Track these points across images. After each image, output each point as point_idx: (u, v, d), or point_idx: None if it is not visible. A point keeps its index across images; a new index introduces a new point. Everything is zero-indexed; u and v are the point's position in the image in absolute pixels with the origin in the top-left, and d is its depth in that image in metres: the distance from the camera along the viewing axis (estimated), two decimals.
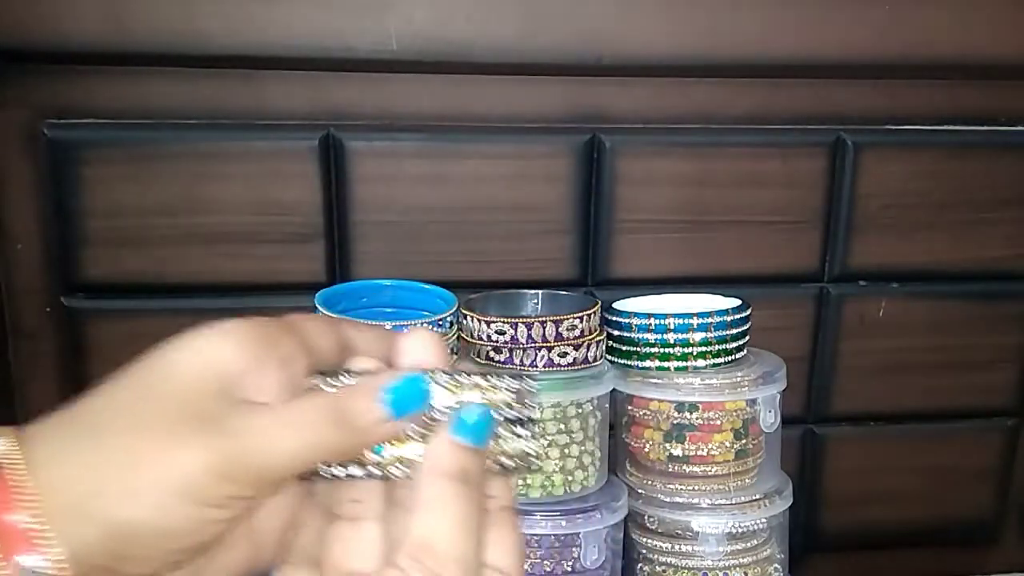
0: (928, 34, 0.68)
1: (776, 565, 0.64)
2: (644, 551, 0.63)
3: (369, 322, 0.39)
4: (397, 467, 0.32)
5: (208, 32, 0.62)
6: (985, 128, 0.73)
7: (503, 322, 0.59)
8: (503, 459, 0.33)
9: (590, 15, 0.65)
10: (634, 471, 0.65)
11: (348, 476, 0.31)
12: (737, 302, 0.65)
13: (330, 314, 0.59)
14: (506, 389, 0.33)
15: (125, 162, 0.65)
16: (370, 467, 0.31)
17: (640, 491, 0.63)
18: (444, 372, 0.32)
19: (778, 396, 0.64)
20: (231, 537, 0.31)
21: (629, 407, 0.64)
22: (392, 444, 0.32)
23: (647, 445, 0.63)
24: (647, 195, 0.70)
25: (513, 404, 0.34)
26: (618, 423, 0.65)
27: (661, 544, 0.62)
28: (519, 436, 0.33)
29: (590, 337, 0.61)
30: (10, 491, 0.26)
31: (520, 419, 0.34)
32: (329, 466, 0.31)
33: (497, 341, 0.59)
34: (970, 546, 0.83)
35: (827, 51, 0.68)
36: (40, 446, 0.27)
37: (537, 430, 0.35)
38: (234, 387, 0.29)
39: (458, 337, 0.62)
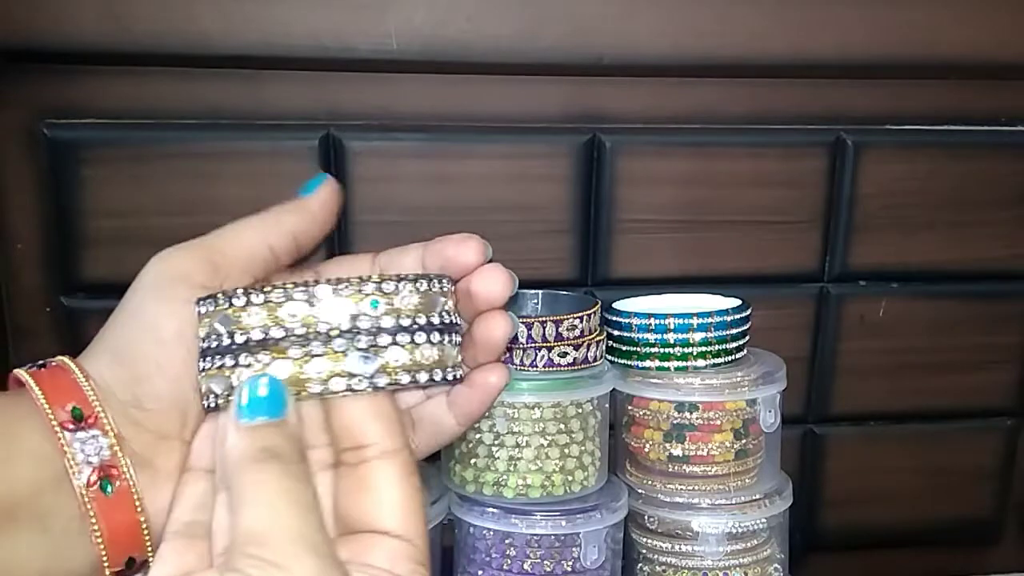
0: (928, 34, 0.68)
1: (776, 565, 0.64)
2: (644, 551, 0.63)
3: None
4: (316, 386, 0.30)
5: (208, 32, 0.62)
6: (985, 128, 0.73)
7: None
8: (418, 373, 0.31)
9: (590, 15, 0.65)
10: (634, 471, 0.65)
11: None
12: (737, 302, 0.65)
13: None
14: (410, 293, 0.31)
15: (125, 162, 0.65)
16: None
17: (640, 491, 0.63)
18: (341, 281, 0.30)
19: (778, 396, 0.64)
20: None
21: (629, 407, 0.64)
22: (295, 363, 0.30)
23: (647, 445, 0.63)
24: (647, 195, 0.70)
25: (420, 311, 0.31)
26: (618, 423, 0.66)
27: (661, 544, 0.62)
28: (433, 343, 0.31)
29: (590, 337, 0.61)
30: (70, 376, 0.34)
31: (437, 325, 0.32)
32: (218, 400, 0.31)
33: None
34: (970, 546, 0.83)
35: (827, 51, 0.68)
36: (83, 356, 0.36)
37: (454, 337, 0.33)
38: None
39: None
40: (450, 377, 0.33)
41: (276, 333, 0.30)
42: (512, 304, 0.40)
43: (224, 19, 0.62)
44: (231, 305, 0.31)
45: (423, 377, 0.32)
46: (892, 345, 0.76)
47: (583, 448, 0.60)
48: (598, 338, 0.61)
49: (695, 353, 0.62)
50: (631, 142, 0.69)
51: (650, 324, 0.62)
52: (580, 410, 0.60)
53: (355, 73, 0.66)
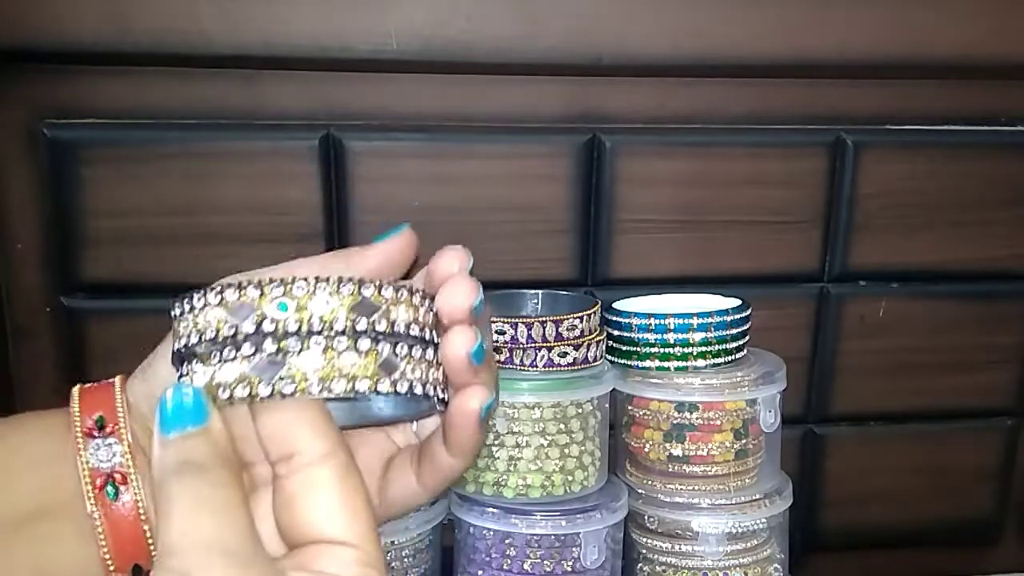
0: (928, 34, 0.68)
1: (776, 565, 0.64)
2: (644, 551, 0.63)
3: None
4: (291, 384, 0.29)
5: (208, 32, 0.62)
6: (985, 128, 0.73)
7: (503, 322, 0.59)
8: (334, 382, 0.29)
9: (590, 15, 0.65)
10: (634, 471, 0.65)
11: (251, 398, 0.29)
12: (737, 302, 0.65)
13: None
14: (330, 296, 0.29)
15: (125, 162, 0.65)
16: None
17: (640, 491, 0.63)
18: (284, 283, 0.29)
19: (778, 396, 0.64)
20: None
21: (629, 407, 0.64)
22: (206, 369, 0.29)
23: (647, 445, 0.63)
24: (647, 195, 0.70)
25: (350, 318, 0.29)
26: (618, 423, 0.66)
27: (661, 544, 0.62)
28: (360, 351, 0.29)
29: (590, 337, 0.61)
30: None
31: (367, 332, 0.30)
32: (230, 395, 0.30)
33: (497, 341, 0.59)
34: (970, 546, 0.83)
35: (827, 51, 0.68)
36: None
37: (380, 344, 0.30)
38: None
39: None
40: (386, 389, 0.30)
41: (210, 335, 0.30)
42: (487, 317, 0.37)
43: (224, 19, 0.62)
44: (190, 309, 0.31)
45: (339, 387, 0.30)
46: (892, 345, 0.76)
47: (583, 448, 0.60)
48: (598, 338, 0.61)
49: (695, 353, 0.62)
50: (631, 142, 0.69)
51: (650, 324, 0.62)
52: (580, 410, 0.60)
53: (355, 73, 0.66)
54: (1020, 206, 0.74)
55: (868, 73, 0.70)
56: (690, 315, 0.62)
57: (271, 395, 0.29)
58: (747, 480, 0.63)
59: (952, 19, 0.68)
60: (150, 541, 0.34)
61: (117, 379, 0.37)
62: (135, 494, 0.34)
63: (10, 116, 0.64)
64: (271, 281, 0.30)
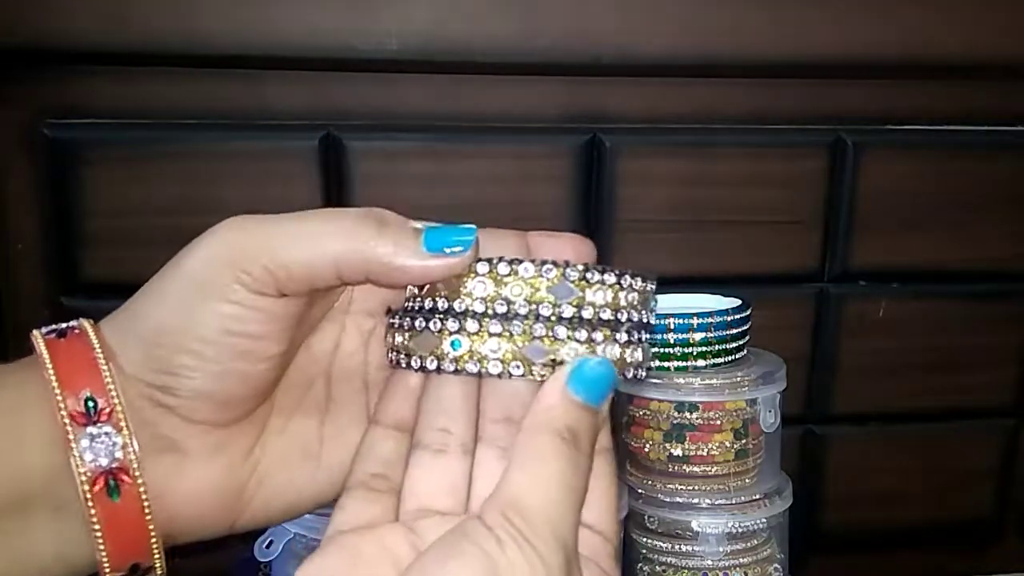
0: (928, 34, 0.68)
1: (776, 565, 0.64)
2: (644, 551, 0.63)
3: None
4: (474, 364, 0.29)
5: (208, 32, 0.62)
6: (985, 128, 0.73)
7: None
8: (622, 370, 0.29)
9: (590, 15, 0.65)
10: (634, 471, 0.65)
11: (422, 368, 0.29)
12: (737, 302, 0.65)
13: None
14: (631, 289, 0.30)
15: (125, 162, 0.65)
16: (444, 362, 0.29)
17: (640, 491, 0.63)
18: (576, 267, 0.29)
19: (778, 396, 0.64)
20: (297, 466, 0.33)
21: (629, 407, 0.64)
22: (471, 338, 0.29)
23: (647, 445, 0.63)
24: (647, 195, 0.70)
25: (636, 306, 0.30)
26: (618, 423, 0.65)
27: (661, 544, 0.62)
28: (624, 342, 0.30)
29: None
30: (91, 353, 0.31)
31: (639, 324, 0.30)
32: (408, 358, 0.29)
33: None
34: (970, 546, 0.83)
35: (827, 51, 0.68)
36: (105, 322, 0.33)
37: (646, 337, 0.31)
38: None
39: None
40: (630, 376, 0.31)
41: (500, 308, 0.29)
42: None
43: (224, 19, 0.62)
44: (467, 270, 0.30)
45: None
46: (892, 345, 0.76)
47: None
48: None
49: (695, 353, 0.62)
50: (631, 142, 0.69)
51: None
52: None
53: (355, 73, 0.66)
54: (1020, 206, 0.74)
55: (868, 73, 0.70)
56: (690, 315, 0.62)
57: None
58: (747, 480, 0.63)
59: (952, 19, 0.68)
60: (153, 539, 0.31)
61: (88, 331, 0.31)
62: (139, 488, 0.30)
63: (10, 116, 0.64)
64: (543, 263, 0.30)
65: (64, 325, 0.32)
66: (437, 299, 0.29)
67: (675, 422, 0.62)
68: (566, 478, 0.27)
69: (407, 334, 0.30)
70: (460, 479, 0.30)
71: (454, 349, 0.29)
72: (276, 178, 0.66)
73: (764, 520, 0.62)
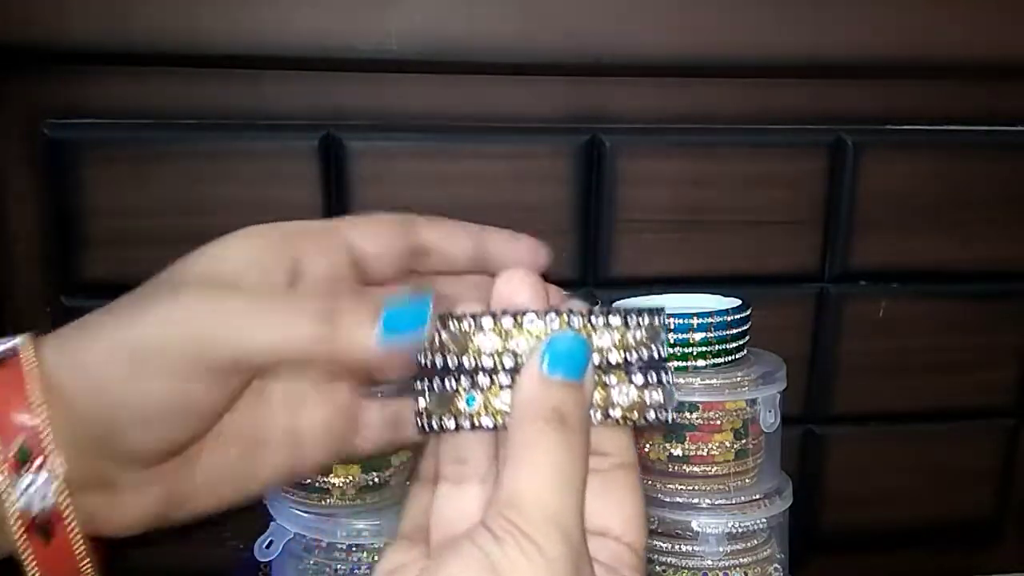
0: (928, 34, 0.68)
1: (776, 565, 0.64)
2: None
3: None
4: (489, 419, 0.29)
5: (208, 32, 0.62)
6: (985, 128, 0.73)
7: None
8: (619, 411, 0.29)
9: (590, 15, 0.65)
10: None
11: (442, 428, 0.29)
12: (737, 302, 0.65)
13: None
14: (638, 327, 0.29)
15: (125, 162, 0.65)
16: (461, 419, 0.29)
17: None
18: (580, 313, 0.29)
19: (778, 396, 0.64)
20: (272, 439, 0.32)
21: None
22: (485, 393, 0.29)
23: (647, 445, 0.63)
24: (647, 195, 0.70)
25: (646, 343, 0.30)
26: None
27: (661, 544, 0.62)
28: (641, 384, 0.29)
29: None
30: (23, 388, 0.29)
31: (652, 362, 0.30)
32: (430, 421, 0.29)
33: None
34: (970, 546, 0.83)
35: (827, 51, 0.68)
36: (49, 344, 0.31)
37: (671, 375, 0.30)
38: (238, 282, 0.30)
39: None
40: (652, 418, 0.31)
41: (508, 362, 0.29)
42: None
43: (224, 19, 0.62)
44: (473, 326, 0.29)
45: (618, 413, 0.30)
46: (892, 345, 0.76)
47: None
48: None
49: (695, 353, 0.62)
50: (631, 142, 0.69)
51: None
52: None
53: (355, 73, 0.66)
54: (1020, 206, 0.74)
55: (868, 73, 0.70)
56: (690, 315, 0.62)
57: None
58: (747, 480, 0.63)
59: (952, 19, 0.68)
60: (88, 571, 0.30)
61: (26, 364, 0.29)
62: (69, 532, 0.29)
63: (10, 116, 0.64)
64: (547, 313, 0.29)
65: (3, 347, 0.30)
66: (447, 356, 0.29)
67: (675, 422, 0.62)
68: (559, 462, 0.27)
69: (427, 396, 0.30)
70: (479, 505, 0.29)
71: (469, 406, 0.29)
72: (276, 178, 0.66)
73: (764, 520, 0.62)
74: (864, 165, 0.72)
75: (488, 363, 0.29)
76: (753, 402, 0.63)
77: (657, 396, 0.30)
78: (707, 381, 0.62)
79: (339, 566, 0.59)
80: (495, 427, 0.29)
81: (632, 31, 0.66)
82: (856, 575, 0.82)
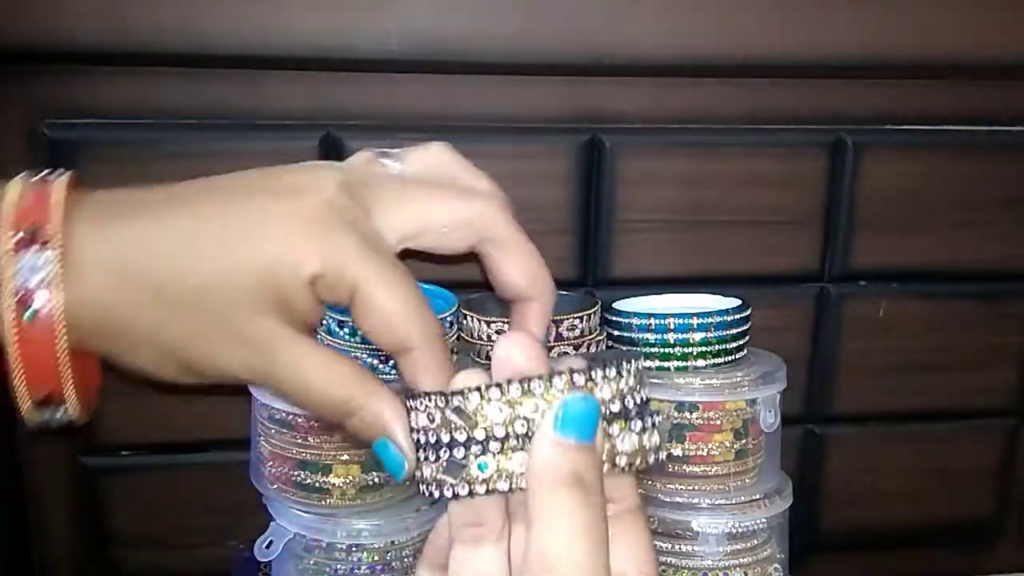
0: (928, 34, 0.68)
1: (776, 565, 0.64)
2: None
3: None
4: (504, 482, 0.29)
5: (208, 32, 0.62)
6: (985, 128, 0.73)
7: (503, 322, 0.59)
8: (624, 459, 0.30)
9: (590, 15, 0.65)
10: None
11: (454, 496, 0.30)
12: (737, 302, 0.65)
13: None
14: (629, 374, 0.30)
15: (126, 162, 0.65)
16: (475, 485, 0.29)
17: (640, 491, 0.63)
18: (581, 371, 0.29)
19: (778, 396, 0.64)
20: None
21: None
22: (497, 457, 0.29)
23: None
24: (647, 195, 0.70)
25: (636, 389, 0.31)
26: None
27: (661, 544, 0.62)
28: (639, 429, 0.30)
29: (590, 337, 0.61)
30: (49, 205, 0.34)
31: (643, 406, 0.31)
32: (441, 490, 0.30)
33: (497, 341, 0.59)
34: (970, 546, 0.83)
35: (827, 51, 0.68)
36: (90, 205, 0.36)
37: (657, 418, 0.32)
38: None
39: (458, 337, 0.62)
40: (652, 461, 0.32)
41: (520, 428, 0.29)
42: None
43: (224, 19, 0.62)
44: (480, 400, 0.30)
45: (624, 461, 0.31)
46: (892, 345, 0.76)
47: None
48: (598, 338, 0.61)
49: (695, 353, 0.62)
50: (631, 142, 0.69)
51: (650, 324, 0.62)
52: None
53: (355, 73, 0.66)
54: (1020, 206, 0.74)
55: (868, 73, 0.70)
56: (690, 315, 0.62)
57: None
58: (747, 480, 0.63)
59: (952, 19, 0.68)
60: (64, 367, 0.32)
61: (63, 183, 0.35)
62: (56, 321, 0.32)
63: (10, 116, 0.64)
64: (551, 376, 0.30)
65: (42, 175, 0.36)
66: (454, 432, 0.30)
67: (675, 422, 0.62)
68: (585, 522, 0.28)
69: (434, 466, 0.30)
70: (497, 566, 0.31)
71: (482, 471, 0.29)
72: None
73: (764, 520, 0.62)
74: (864, 165, 0.72)
75: (500, 432, 0.29)
76: (753, 402, 0.63)
77: (655, 439, 0.31)
78: (707, 381, 0.62)
79: (339, 566, 0.59)
80: (511, 489, 0.29)
81: (632, 31, 0.66)
82: (856, 575, 0.82)
